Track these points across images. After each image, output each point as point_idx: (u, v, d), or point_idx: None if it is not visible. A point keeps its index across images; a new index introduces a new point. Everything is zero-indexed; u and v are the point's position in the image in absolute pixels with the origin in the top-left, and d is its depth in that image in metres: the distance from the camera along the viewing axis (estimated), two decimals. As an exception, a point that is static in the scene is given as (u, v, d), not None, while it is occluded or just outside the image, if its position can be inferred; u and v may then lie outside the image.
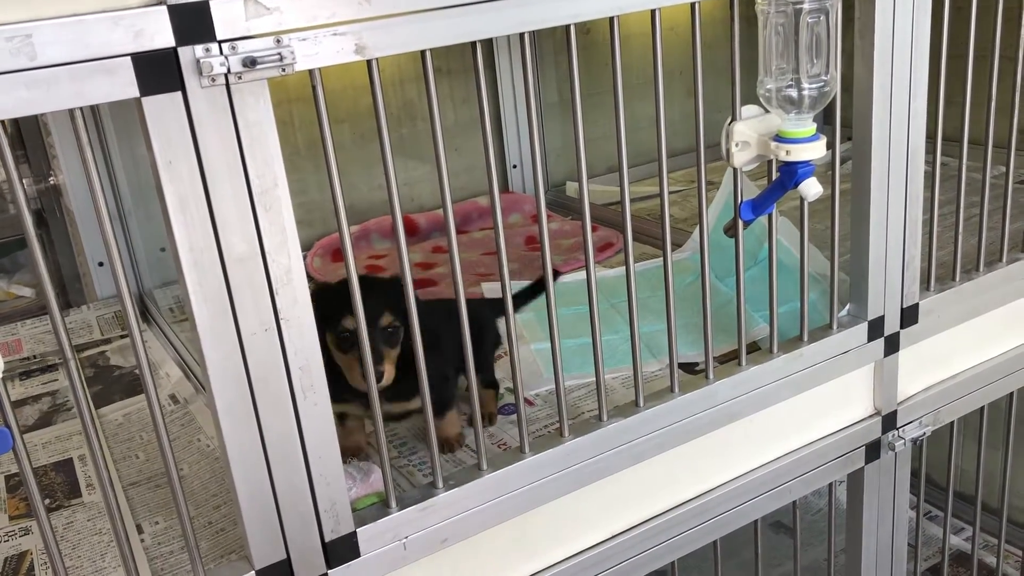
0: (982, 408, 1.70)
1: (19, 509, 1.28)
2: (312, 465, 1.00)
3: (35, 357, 1.75)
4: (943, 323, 1.52)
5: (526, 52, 1.03)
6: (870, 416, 1.50)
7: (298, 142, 2.06)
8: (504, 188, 2.36)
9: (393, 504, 1.08)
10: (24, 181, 1.88)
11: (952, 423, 1.66)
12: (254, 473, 0.97)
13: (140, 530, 1.20)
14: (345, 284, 1.00)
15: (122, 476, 1.32)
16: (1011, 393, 1.75)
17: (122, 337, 1.80)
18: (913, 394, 1.55)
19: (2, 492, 1.33)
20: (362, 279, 1.04)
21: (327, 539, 1.03)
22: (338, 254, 2.02)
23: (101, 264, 1.90)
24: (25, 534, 1.23)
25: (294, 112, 2.03)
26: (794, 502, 1.48)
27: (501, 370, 1.47)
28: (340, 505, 1.03)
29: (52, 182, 1.92)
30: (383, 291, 1.15)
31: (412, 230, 2.16)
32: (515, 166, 2.35)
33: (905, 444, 1.54)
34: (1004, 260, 1.57)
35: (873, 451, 1.51)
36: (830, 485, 1.52)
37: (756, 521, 1.45)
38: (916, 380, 1.55)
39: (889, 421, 1.51)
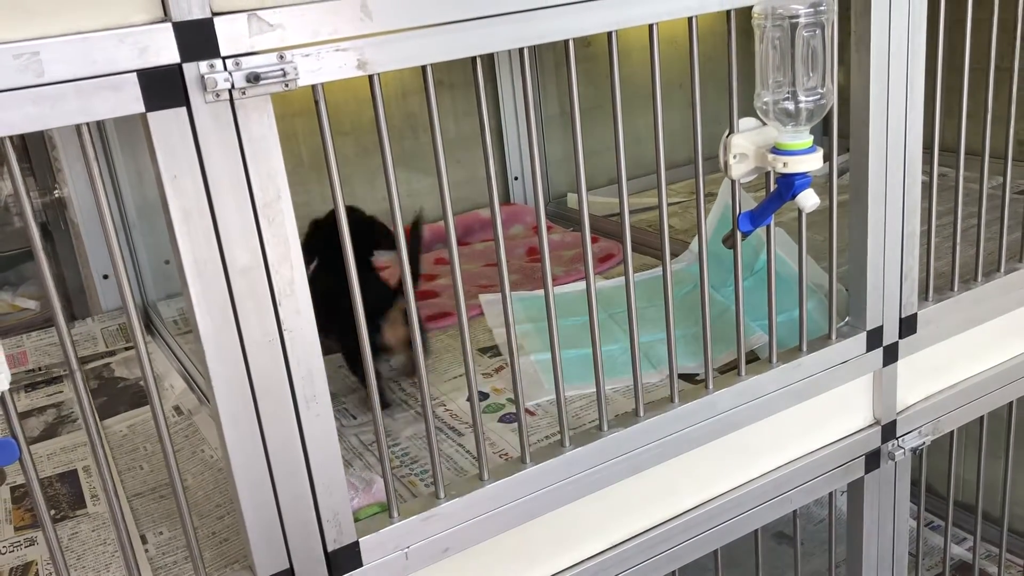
0: (982, 417, 1.70)
1: (24, 520, 1.29)
2: (315, 475, 1.01)
3: (40, 369, 1.76)
4: (942, 333, 1.53)
5: (525, 67, 1.04)
6: (870, 426, 1.51)
7: (302, 154, 2.08)
8: (506, 200, 2.37)
9: (395, 514, 1.09)
10: (30, 194, 1.90)
11: (952, 432, 1.67)
12: (257, 483, 0.98)
13: (144, 540, 1.21)
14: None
15: (127, 487, 1.33)
16: (1011, 402, 1.75)
17: (127, 349, 1.81)
18: (912, 404, 1.56)
19: (7, 503, 1.34)
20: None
21: (330, 549, 1.04)
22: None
23: (106, 276, 1.92)
24: (31, 544, 1.23)
25: (297, 125, 2.05)
26: (794, 512, 1.49)
27: (503, 380, 1.48)
28: (343, 515, 1.04)
29: (57, 195, 1.93)
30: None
31: (415, 242, 2.16)
32: (516, 178, 2.36)
33: (905, 454, 1.54)
34: (1002, 270, 1.58)
35: (873, 461, 1.52)
36: (831, 495, 1.53)
37: (757, 531, 1.45)
38: (915, 390, 1.56)
39: (888, 431, 1.52)
